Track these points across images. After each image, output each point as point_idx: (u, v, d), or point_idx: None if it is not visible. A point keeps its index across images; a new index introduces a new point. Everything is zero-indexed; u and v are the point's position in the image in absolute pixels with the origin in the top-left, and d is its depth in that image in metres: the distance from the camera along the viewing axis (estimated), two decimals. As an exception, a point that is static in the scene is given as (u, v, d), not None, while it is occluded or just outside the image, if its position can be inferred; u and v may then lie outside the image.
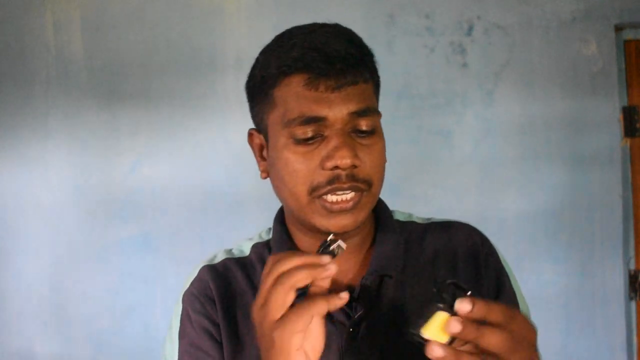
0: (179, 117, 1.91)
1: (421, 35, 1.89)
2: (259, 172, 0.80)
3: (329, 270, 0.59)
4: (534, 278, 1.84)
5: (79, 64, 1.93)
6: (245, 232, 0.91)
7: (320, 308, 0.57)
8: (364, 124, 0.70)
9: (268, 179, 0.78)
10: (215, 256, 0.83)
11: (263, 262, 0.79)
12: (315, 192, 0.70)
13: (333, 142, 0.68)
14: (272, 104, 0.72)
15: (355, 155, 0.68)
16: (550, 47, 1.88)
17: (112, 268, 1.91)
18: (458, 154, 1.89)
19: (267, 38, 0.77)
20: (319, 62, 0.68)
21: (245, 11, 1.90)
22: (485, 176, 1.89)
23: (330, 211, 0.70)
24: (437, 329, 0.52)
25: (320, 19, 0.77)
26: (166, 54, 1.92)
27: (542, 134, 1.88)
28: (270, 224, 0.86)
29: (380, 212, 0.81)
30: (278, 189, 0.76)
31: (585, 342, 1.86)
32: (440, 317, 0.53)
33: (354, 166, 0.68)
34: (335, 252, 0.63)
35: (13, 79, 1.94)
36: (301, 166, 0.69)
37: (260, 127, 0.77)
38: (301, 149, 0.70)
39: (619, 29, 1.90)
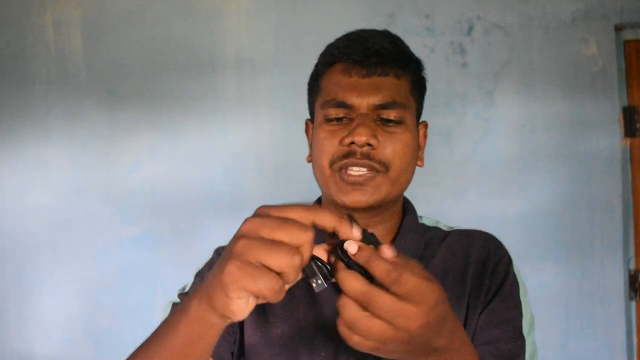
0: (179, 117, 1.91)
1: (421, 35, 1.89)
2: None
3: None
4: (534, 278, 1.84)
5: (79, 64, 1.93)
6: (245, 232, 0.92)
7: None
8: (389, 114, 0.78)
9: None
10: None
11: None
12: (334, 164, 0.77)
13: (355, 123, 0.77)
14: (319, 92, 0.82)
15: (373, 136, 0.75)
16: (550, 47, 1.88)
17: (112, 268, 1.91)
18: (458, 154, 1.89)
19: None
20: (355, 52, 0.78)
21: (245, 11, 1.90)
22: (485, 176, 1.89)
23: (347, 183, 0.76)
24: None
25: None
26: (166, 54, 1.92)
27: (542, 134, 1.88)
28: None
29: (407, 210, 0.88)
30: (313, 166, 0.84)
31: (585, 342, 1.86)
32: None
33: (371, 146, 0.75)
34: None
35: (13, 79, 1.93)
36: (327, 142, 0.78)
37: (312, 117, 0.86)
38: (330, 127, 0.79)
39: (619, 29, 1.90)
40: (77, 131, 1.92)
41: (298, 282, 0.52)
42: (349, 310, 0.49)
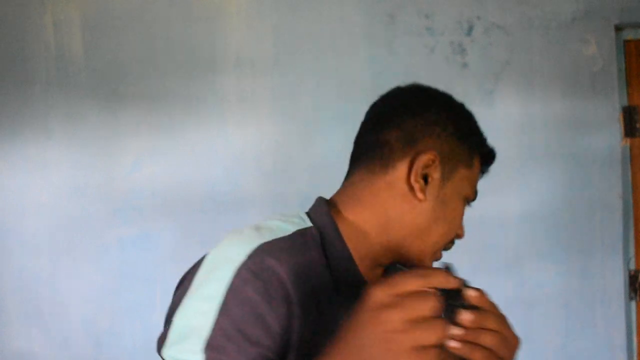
0: (179, 117, 1.91)
1: (421, 35, 1.89)
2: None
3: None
4: (534, 278, 1.84)
5: (79, 64, 1.93)
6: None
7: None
8: None
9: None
10: None
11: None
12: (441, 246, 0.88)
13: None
14: (469, 164, 0.95)
15: None
16: (550, 47, 1.88)
17: (112, 268, 1.91)
18: (458, 154, 1.89)
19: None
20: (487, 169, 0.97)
21: (245, 11, 1.90)
22: (485, 176, 1.88)
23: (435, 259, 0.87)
24: None
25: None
26: (166, 54, 1.92)
27: (542, 134, 1.88)
28: None
29: None
30: (418, 221, 0.87)
31: (585, 342, 1.86)
32: None
33: None
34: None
35: (13, 79, 1.94)
36: (457, 223, 0.91)
37: (444, 154, 0.92)
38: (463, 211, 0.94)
39: (619, 29, 1.90)
40: (77, 131, 1.92)
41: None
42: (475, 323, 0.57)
